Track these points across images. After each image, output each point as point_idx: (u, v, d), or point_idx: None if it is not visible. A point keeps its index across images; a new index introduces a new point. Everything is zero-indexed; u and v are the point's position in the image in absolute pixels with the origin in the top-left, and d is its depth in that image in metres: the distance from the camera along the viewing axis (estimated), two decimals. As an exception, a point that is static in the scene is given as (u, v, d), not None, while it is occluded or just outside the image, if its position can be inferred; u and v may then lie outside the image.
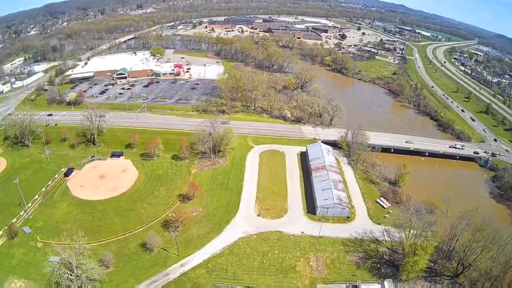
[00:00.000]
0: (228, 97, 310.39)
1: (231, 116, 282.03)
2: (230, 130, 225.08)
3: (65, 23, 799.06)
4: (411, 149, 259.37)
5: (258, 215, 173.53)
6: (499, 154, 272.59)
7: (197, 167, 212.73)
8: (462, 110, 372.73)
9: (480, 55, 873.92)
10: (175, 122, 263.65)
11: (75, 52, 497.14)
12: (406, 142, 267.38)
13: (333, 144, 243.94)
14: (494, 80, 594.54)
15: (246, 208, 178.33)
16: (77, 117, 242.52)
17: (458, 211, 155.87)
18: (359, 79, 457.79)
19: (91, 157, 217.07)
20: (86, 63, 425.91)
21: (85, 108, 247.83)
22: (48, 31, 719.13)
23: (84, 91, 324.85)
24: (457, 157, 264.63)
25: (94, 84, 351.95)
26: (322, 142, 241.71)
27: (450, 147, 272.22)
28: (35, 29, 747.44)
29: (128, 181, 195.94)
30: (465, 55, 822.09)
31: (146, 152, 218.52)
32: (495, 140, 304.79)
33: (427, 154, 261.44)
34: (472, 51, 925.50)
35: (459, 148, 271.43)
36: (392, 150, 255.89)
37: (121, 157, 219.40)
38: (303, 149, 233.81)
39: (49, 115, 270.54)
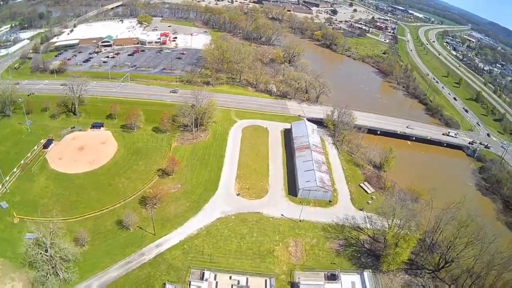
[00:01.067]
0: (214, 68, 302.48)
1: (215, 88, 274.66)
2: (213, 104, 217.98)
3: None
4: (398, 132, 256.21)
5: (237, 195, 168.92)
6: (488, 145, 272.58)
7: (178, 140, 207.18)
8: (455, 98, 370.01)
9: (473, 41, 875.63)
10: (158, 93, 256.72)
11: (62, 19, 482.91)
12: (407, 127, 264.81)
13: (319, 122, 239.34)
14: (485, 68, 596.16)
15: (226, 186, 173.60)
16: (59, 86, 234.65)
17: (443, 202, 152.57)
18: (349, 56, 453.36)
19: (71, 128, 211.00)
20: (72, 30, 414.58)
21: (68, 77, 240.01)
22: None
23: (68, 59, 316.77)
24: (444, 144, 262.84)
25: (79, 52, 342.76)
26: (307, 119, 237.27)
27: (443, 134, 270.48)
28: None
29: (107, 154, 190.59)
30: (457, 40, 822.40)
31: (127, 124, 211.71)
32: (488, 135, 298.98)
33: (414, 138, 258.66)
34: (465, 36, 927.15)
35: (452, 136, 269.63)
36: (378, 132, 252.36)
37: (102, 128, 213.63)
38: (288, 126, 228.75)
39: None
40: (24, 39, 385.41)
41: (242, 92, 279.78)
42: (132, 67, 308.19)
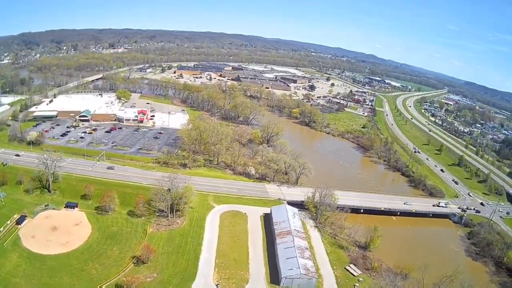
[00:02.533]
0: (191, 150, 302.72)
1: (192, 170, 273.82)
2: (189, 189, 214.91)
3: (38, 55, 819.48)
4: (382, 209, 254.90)
5: (217, 285, 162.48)
6: (473, 209, 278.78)
7: (153, 226, 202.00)
8: (442, 170, 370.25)
9: (451, 104, 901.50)
10: (134, 175, 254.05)
11: (43, 88, 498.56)
12: (404, 203, 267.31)
13: (300, 205, 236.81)
14: (465, 130, 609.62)
15: (204, 276, 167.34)
16: (35, 159, 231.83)
17: (434, 276, 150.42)
18: (328, 133, 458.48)
19: (45, 205, 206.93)
20: (51, 101, 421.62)
21: (45, 150, 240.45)
22: (21, 61, 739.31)
23: (46, 131, 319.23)
24: (430, 215, 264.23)
25: (57, 125, 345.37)
26: (287, 203, 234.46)
27: (433, 205, 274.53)
28: (8, 57, 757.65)
29: (80, 237, 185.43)
30: (436, 105, 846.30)
31: (101, 206, 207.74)
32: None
33: (398, 213, 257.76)
34: (443, 100, 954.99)
35: (443, 207, 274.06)
36: (361, 211, 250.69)
37: (76, 208, 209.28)
38: (267, 210, 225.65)
39: (16, 155, 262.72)
40: (4, 104, 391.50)
41: (219, 175, 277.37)
42: (108, 145, 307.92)
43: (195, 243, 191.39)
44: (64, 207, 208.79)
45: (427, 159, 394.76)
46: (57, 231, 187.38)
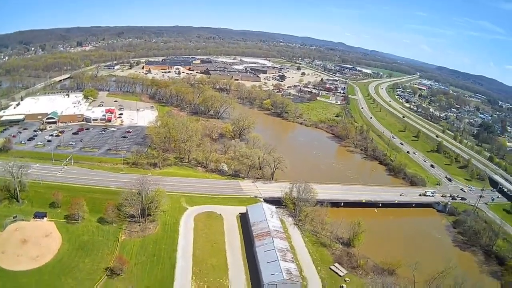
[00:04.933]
0: (160, 148, 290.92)
1: (163, 170, 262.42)
2: (160, 192, 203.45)
3: (6, 58, 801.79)
4: (363, 201, 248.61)
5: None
6: (457, 196, 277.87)
7: (125, 232, 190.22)
8: (432, 165, 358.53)
9: (424, 90, 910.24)
10: (103, 178, 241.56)
11: (11, 90, 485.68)
12: (400, 195, 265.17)
13: (277, 202, 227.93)
14: (441, 115, 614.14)
15: (182, 286, 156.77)
16: (2, 167, 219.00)
17: (424, 272, 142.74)
18: (301, 123, 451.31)
19: (13, 217, 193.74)
20: (18, 104, 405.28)
21: (11, 157, 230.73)
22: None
23: (14, 136, 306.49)
24: (413, 205, 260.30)
25: (24, 129, 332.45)
26: (264, 200, 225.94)
27: (420, 195, 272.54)
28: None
29: (51, 249, 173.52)
30: (409, 91, 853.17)
31: (71, 214, 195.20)
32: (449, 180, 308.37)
33: (380, 205, 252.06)
34: (415, 86, 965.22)
35: (429, 196, 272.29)
36: (342, 204, 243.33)
37: (45, 218, 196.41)
38: (243, 209, 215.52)
39: None
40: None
41: (191, 174, 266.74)
42: (75, 147, 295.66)
43: (170, 250, 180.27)
44: (33, 218, 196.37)
45: (414, 153, 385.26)
46: (27, 244, 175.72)
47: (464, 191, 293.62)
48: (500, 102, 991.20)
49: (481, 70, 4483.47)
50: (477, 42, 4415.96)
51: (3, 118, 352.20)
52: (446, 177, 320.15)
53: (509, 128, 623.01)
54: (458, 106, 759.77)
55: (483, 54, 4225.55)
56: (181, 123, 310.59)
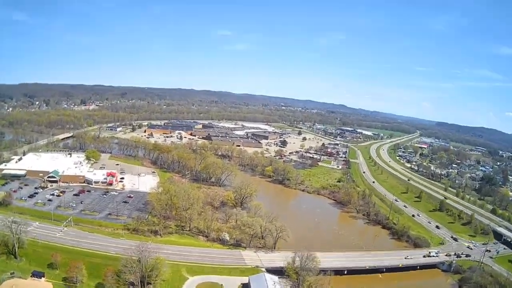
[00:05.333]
0: (162, 215, 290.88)
1: (163, 238, 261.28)
2: (161, 260, 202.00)
3: (10, 109, 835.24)
4: (367, 267, 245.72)
5: None
6: (461, 253, 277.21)
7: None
8: (438, 226, 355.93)
9: (425, 148, 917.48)
10: (102, 242, 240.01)
11: (13, 144, 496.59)
12: (405, 258, 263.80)
13: (280, 272, 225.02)
14: (442, 172, 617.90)
15: None
16: (1, 221, 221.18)
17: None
18: (303, 190, 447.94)
19: (11, 273, 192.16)
20: (20, 159, 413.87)
21: (11, 213, 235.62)
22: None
23: (14, 191, 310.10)
24: (418, 267, 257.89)
25: (25, 185, 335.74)
26: (266, 270, 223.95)
27: (424, 256, 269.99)
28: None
29: None
30: (410, 150, 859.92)
31: (69, 277, 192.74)
32: (455, 239, 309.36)
33: (384, 270, 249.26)
34: (416, 145, 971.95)
35: (434, 256, 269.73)
36: (345, 272, 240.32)
37: (43, 278, 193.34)
38: (245, 280, 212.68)
39: None
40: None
41: (192, 243, 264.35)
42: (76, 209, 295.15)
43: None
44: (31, 276, 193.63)
45: (418, 215, 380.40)
46: None
47: (471, 248, 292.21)
48: (500, 152, 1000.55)
49: (481, 121, 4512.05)
50: (476, 92, 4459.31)
51: (4, 171, 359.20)
52: (452, 237, 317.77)
53: (510, 177, 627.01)
54: (459, 161, 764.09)
55: (482, 104, 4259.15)
56: (183, 190, 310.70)
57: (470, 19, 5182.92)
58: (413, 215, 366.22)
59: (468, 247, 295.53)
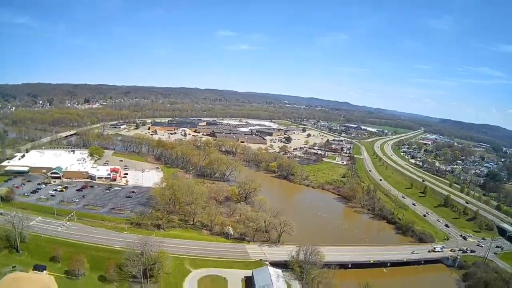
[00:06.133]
0: (165, 210, 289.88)
1: (167, 232, 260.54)
2: (163, 254, 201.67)
3: (13, 108, 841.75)
4: (371, 261, 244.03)
5: None
6: (466, 249, 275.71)
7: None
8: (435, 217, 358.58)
9: (429, 144, 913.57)
10: (105, 236, 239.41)
11: (16, 141, 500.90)
12: (412, 253, 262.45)
13: (283, 265, 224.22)
14: (447, 169, 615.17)
15: None
16: (3, 216, 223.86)
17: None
18: (307, 185, 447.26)
19: (12, 267, 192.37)
20: (23, 156, 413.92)
21: (14, 208, 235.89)
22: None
23: (17, 187, 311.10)
24: (422, 262, 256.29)
25: (28, 181, 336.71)
26: (270, 263, 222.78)
27: (429, 251, 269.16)
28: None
29: None
30: (414, 147, 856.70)
31: (71, 270, 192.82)
32: (464, 238, 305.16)
33: (389, 264, 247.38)
34: (420, 141, 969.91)
35: (439, 251, 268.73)
36: (350, 266, 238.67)
37: (44, 271, 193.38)
38: (249, 273, 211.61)
39: None
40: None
41: (196, 237, 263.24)
42: (79, 204, 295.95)
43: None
44: (32, 269, 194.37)
45: (427, 212, 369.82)
46: None
47: (481, 246, 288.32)
48: (504, 149, 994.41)
49: (484, 118, 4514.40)
50: (478, 89, 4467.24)
51: (7, 168, 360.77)
52: (460, 235, 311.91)
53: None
54: (463, 157, 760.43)
55: (485, 101, 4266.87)
56: (187, 185, 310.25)
57: (471, 18, 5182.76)
58: (424, 215, 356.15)
59: (478, 245, 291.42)
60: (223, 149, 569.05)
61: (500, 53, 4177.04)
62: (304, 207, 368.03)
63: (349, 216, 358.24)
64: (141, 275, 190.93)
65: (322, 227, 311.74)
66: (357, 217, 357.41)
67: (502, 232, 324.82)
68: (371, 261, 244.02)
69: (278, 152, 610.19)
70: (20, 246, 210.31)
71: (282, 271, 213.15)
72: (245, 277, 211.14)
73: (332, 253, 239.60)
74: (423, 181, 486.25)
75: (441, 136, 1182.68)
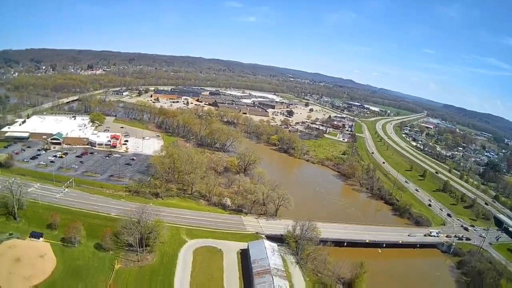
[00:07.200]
0: (164, 178, 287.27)
1: (165, 201, 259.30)
2: (160, 223, 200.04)
3: (16, 74, 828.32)
4: (367, 241, 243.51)
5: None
6: (463, 237, 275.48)
7: (122, 261, 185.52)
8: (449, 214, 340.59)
9: (431, 128, 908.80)
10: (103, 204, 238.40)
11: (18, 107, 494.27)
12: (408, 235, 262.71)
13: (279, 239, 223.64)
14: (448, 154, 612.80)
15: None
16: (1, 183, 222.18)
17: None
18: (307, 160, 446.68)
19: (9, 234, 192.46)
20: (24, 121, 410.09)
21: (11, 174, 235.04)
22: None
23: (16, 153, 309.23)
24: (417, 246, 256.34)
25: (28, 147, 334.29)
26: (266, 237, 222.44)
27: (425, 235, 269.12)
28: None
29: (45, 270, 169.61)
30: (416, 129, 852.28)
31: (67, 237, 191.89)
32: (466, 229, 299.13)
33: (384, 245, 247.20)
34: (423, 124, 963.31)
35: (435, 236, 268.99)
36: (345, 244, 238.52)
37: (41, 238, 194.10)
38: (245, 245, 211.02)
39: None
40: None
41: (193, 207, 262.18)
42: (80, 169, 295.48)
43: (166, 282, 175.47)
44: (29, 237, 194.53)
45: (430, 200, 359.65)
46: (20, 262, 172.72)
47: (467, 230, 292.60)
48: (506, 140, 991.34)
49: (488, 108, 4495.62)
50: (484, 79, 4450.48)
51: (7, 134, 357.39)
52: (462, 226, 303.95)
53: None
54: (464, 144, 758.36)
55: (490, 91, 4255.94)
56: (186, 154, 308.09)
57: (482, 8, 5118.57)
58: (429, 205, 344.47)
59: (465, 229, 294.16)
60: (225, 120, 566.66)
61: (509, 45, 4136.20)
62: (303, 182, 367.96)
63: (347, 194, 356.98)
64: (137, 244, 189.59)
65: (320, 203, 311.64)
66: (355, 195, 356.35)
67: (499, 222, 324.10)
68: (367, 241, 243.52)
69: (280, 125, 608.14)
70: (17, 213, 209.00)
71: (278, 245, 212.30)
72: (240, 249, 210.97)
73: (328, 230, 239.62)
74: (437, 172, 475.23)
75: (444, 121, 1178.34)
